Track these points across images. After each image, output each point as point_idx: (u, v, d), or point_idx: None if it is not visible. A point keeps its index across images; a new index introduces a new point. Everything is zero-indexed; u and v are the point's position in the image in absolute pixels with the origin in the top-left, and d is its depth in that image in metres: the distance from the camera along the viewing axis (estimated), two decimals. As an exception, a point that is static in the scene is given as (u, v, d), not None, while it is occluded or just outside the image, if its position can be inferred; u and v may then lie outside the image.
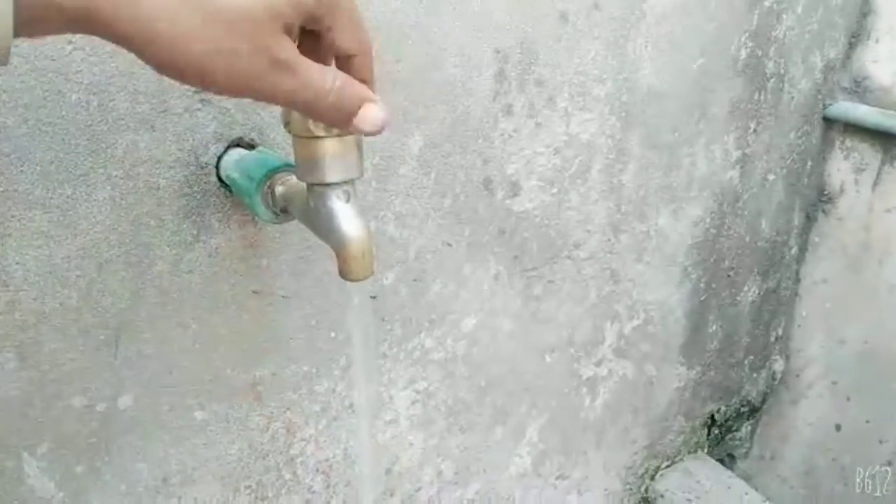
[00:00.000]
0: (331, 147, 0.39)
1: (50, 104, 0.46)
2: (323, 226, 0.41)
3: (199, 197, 0.54)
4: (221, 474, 0.65)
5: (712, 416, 1.20)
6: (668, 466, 1.16)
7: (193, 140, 0.52)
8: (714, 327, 1.09)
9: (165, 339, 0.57)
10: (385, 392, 0.74)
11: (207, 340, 0.59)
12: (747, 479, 1.20)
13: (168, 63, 0.31)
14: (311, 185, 0.41)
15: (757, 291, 1.13)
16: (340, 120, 0.37)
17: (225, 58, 0.32)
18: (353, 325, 0.46)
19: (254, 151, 0.53)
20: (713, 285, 1.05)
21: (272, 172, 0.48)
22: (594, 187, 0.82)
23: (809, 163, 1.09)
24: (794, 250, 1.16)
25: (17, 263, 0.48)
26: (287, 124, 0.40)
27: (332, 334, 0.67)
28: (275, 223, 0.51)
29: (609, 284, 0.90)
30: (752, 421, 1.28)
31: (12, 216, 0.47)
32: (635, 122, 0.82)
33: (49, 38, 0.45)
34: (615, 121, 0.80)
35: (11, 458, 0.53)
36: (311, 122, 0.38)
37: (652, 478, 1.14)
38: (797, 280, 1.19)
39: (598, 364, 0.95)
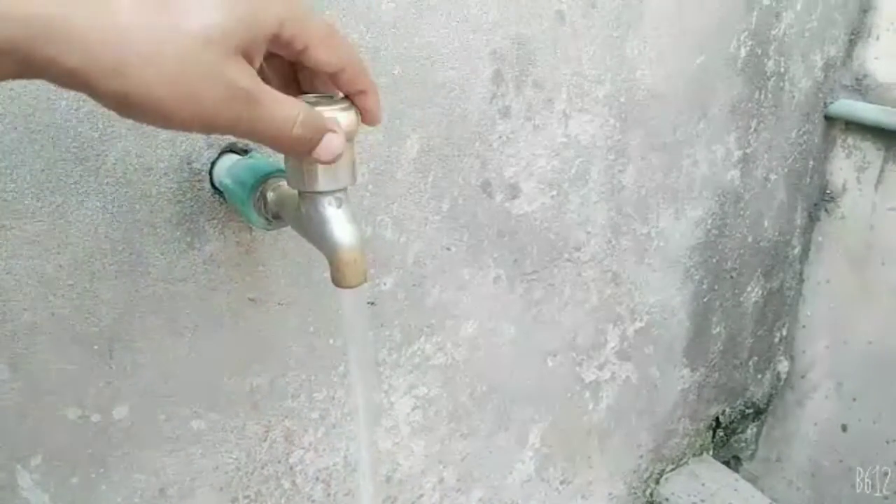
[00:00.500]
0: None
1: (39, 112, 0.46)
2: (315, 232, 0.40)
3: (192, 204, 0.53)
4: (219, 484, 0.64)
5: (717, 419, 1.19)
6: (672, 470, 1.15)
7: (186, 146, 0.52)
8: (718, 329, 1.08)
9: (160, 348, 0.56)
10: (385, 398, 0.73)
11: (203, 349, 0.58)
12: (753, 480, 1.19)
13: (121, 96, 0.29)
14: (302, 193, 0.41)
15: (760, 292, 1.12)
16: (302, 151, 0.36)
17: (180, 87, 0.29)
18: (349, 331, 0.45)
19: (246, 157, 0.52)
20: (716, 286, 1.04)
21: (264, 178, 0.47)
22: (594, 189, 0.81)
23: (811, 162, 1.09)
24: (797, 250, 1.15)
25: (7, 273, 0.48)
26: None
27: (331, 341, 0.66)
28: (268, 229, 0.50)
29: (610, 287, 0.89)
30: (757, 423, 1.27)
31: (2, 225, 0.47)
32: (635, 123, 0.81)
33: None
34: (614, 122, 0.79)
35: (4, 471, 0.52)
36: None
37: (657, 482, 1.13)
38: (801, 280, 1.18)
39: (601, 367, 0.94)
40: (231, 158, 0.52)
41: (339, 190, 0.40)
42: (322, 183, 0.39)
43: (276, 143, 0.34)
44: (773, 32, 0.92)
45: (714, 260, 1.01)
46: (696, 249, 0.97)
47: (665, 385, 1.05)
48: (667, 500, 1.12)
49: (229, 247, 0.56)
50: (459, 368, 0.78)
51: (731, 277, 1.06)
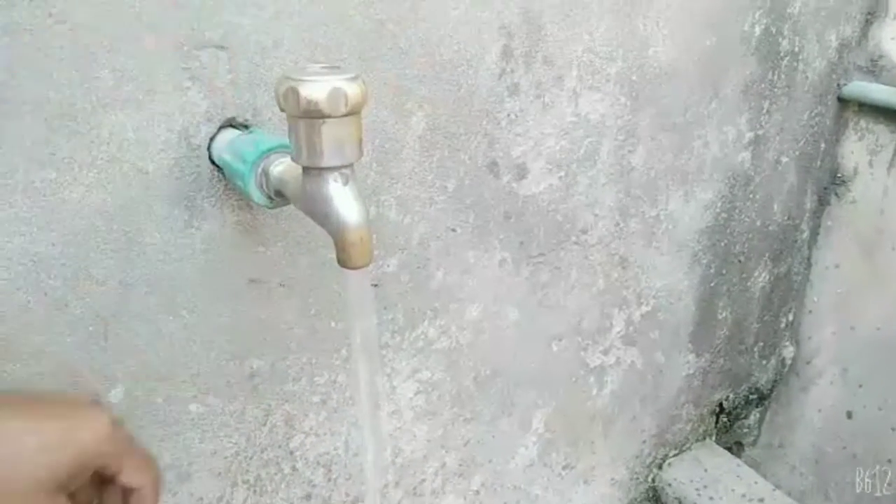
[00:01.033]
0: (328, 129, 0.37)
1: (30, 82, 0.44)
2: (319, 211, 0.39)
3: (190, 181, 0.51)
4: (218, 469, 0.62)
5: (721, 404, 1.17)
6: (675, 455, 1.14)
7: (183, 120, 0.50)
8: (724, 314, 1.07)
9: (157, 329, 0.54)
10: (388, 383, 0.72)
11: (202, 331, 0.56)
12: (755, 466, 1.18)
13: None
14: (306, 168, 0.39)
15: (767, 277, 1.11)
16: None
17: None
18: (353, 314, 0.44)
19: (247, 132, 0.50)
20: (723, 271, 1.02)
21: (266, 153, 0.45)
22: (603, 170, 0.79)
23: (823, 144, 1.06)
24: (806, 234, 1.13)
25: (-3, 251, 0.46)
26: (282, 104, 0.37)
27: (333, 324, 0.64)
28: (270, 208, 0.48)
29: (617, 270, 0.88)
30: (760, 408, 1.26)
31: (-9, 201, 0.45)
32: (646, 102, 0.79)
33: (26, 9, 0.42)
34: (625, 100, 0.77)
35: (-3, 455, 0.50)
36: (306, 101, 0.36)
37: (659, 467, 1.13)
38: (808, 265, 1.16)
39: (606, 352, 0.93)
40: (231, 133, 0.50)
41: (346, 166, 0.38)
42: (328, 158, 0.37)
43: None
44: (789, 10, 0.89)
45: (722, 244, 0.99)
46: (704, 233, 0.95)
47: (670, 370, 1.04)
48: (669, 485, 1.11)
49: (229, 225, 0.55)
50: (463, 352, 0.77)
51: (739, 262, 1.04)
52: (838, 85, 1.03)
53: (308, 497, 0.71)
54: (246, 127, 0.52)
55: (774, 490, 1.08)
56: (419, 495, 0.81)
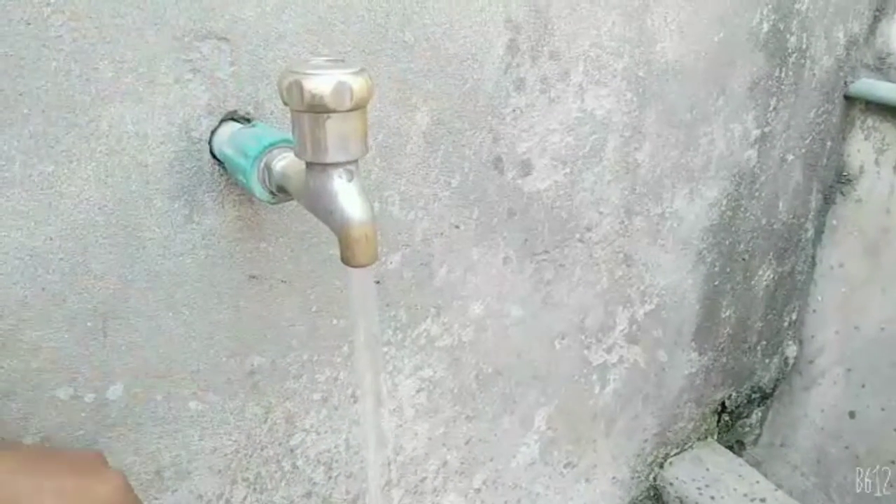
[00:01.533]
0: (333, 124, 0.36)
1: (27, 73, 0.43)
2: (323, 207, 0.38)
3: (190, 175, 0.50)
4: (218, 467, 0.62)
5: (723, 403, 1.17)
6: (677, 454, 1.14)
7: (184, 113, 0.49)
8: (727, 312, 1.06)
9: (157, 325, 0.53)
10: (389, 380, 0.71)
11: (201, 327, 0.56)
12: (756, 465, 1.18)
13: None
14: (310, 164, 0.38)
15: (772, 276, 1.10)
16: None
17: None
18: (356, 312, 0.43)
19: (249, 125, 0.49)
20: (728, 269, 1.01)
21: (269, 148, 0.44)
22: (608, 167, 0.78)
23: (829, 143, 1.05)
24: (811, 233, 1.12)
25: (-6, 246, 0.45)
26: (285, 98, 0.36)
27: (335, 321, 0.64)
28: (272, 203, 0.47)
29: (622, 268, 0.87)
30: (762, 408, 1.26)
31: (-12, 195, 0.44)
32: (652, 99, 0.78)
33: (24, 0, 0.41)
34: (631, 96, 0.76)
35: (-7, 453, 0.50)
36: (311, 95, 0.35)
37: (661, 465, 1.12)
38: (813, 264, 1.16)
39: (609, 351, 0.92)
40: (233, 127, 0.49)
41: (350, 162, 0.37)
42: (332, 154, 0.36)
43: None
44: (797, 6, 0.88)
45: (727, 242, 0.98)
46: (709, 231, 0.95)
47: (672, 369, 1.03)
48: (671, 484, 1.10)
49: (229, 221, 0.54)
50: (466, 350, 0.76)
51: (744, 260, 1.03)
52: (845, 83, 1.02)
53: (308, 495, 0.70)
54: (248, 120, 0.51)
55: (776, 490, 1.08)
56: (420, 493, 0.80)
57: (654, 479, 1.12)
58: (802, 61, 0.93)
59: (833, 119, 1.03)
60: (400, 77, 0.58)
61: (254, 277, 0.57)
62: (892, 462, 1.11)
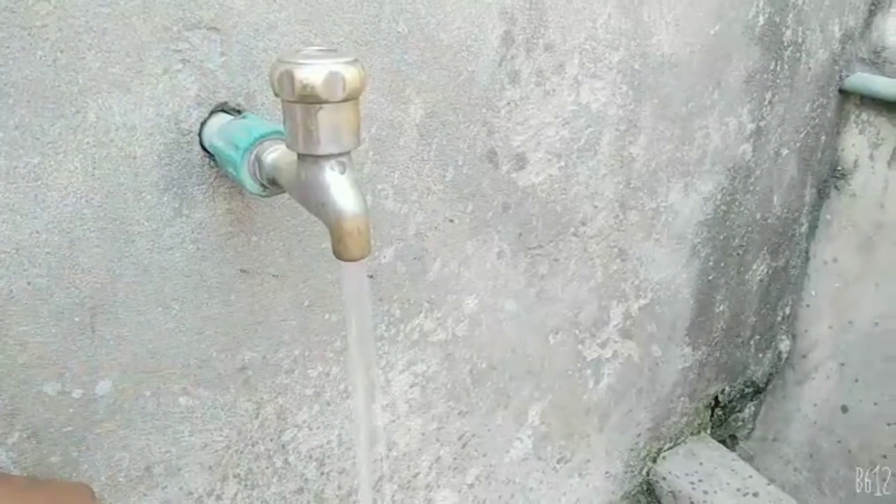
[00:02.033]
0: (325, 115, 0.35)
1: (12, 62, 0.42)
2: (315, 200, 0.37)
3: (180, 167, 0.50)
4: (209, 463, 0.61)
5: (716, 398, 1.17)
6: (670, 448, 1.14)
7: (173, 104, 0.48)
8: (721, 307, 1.06)
9: (146, 320, 0.53)
10: (382, 376, 0.70)
11: (191, 322, 0.55)
12: (749, 460, 1.18)
13: None
14: (302, 156, 0.37)
15: (765, 270, 1.10)
16: None
17: None
18: (349, 307, 0.42)
19: (240, 117, 0.48)
20: (722, 264, 1.01)
21: (260, 140, 0.43)
22: (603, 161, 0.77)
23: (823, 137, 1.05)
24: (805, 228, 1.12)
25: (-22, 239, 0.44)
26: (276, 88, 0.35)
27: (327, 316, 0.63)
28: (263, 196, 0.46)
29: (616, 263, 0.86)
30: (755, 402, 1.26)
31: (-28, 187, 0.43)
32: (648, 92, 0.77)
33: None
34: (627, 90, 0.75)
35: (-21, 449, 0.49)
36: (302, 85, 0.34)
37: (654, 460, 1.12)
38: (806, 259, 1.16)
39: (603, 345, 0.92)
40: (223, 118, 0.48)
41: (343, 154, 0.36)
42: (324, 145, 0.35)
43: None
44: (793, 0, 0.87)
45: (721, 237, 0.98)
46: (703, 225, 0.94)
47: (666, 364, 1.03)
48: (664, 478, 1.10)
49: (220, 214, 0.53)
50: (459, 345, 0.75)
51: (738, 255, 1.03)
52: (840, 77, 1.02)
53: (300, 491, 0.69)
54: (239, 112, 0.50)
55: (769, 484, 1.08)
56: (413, 489, 0.80)
57: (648, 473, 1.12)
58: (798, 55, 0.93)
59: (828, 113, 1.03)
60: (393, 68, 0.58)
61: (245, 271, 0.56)
62: (884, 457, 1.12)
